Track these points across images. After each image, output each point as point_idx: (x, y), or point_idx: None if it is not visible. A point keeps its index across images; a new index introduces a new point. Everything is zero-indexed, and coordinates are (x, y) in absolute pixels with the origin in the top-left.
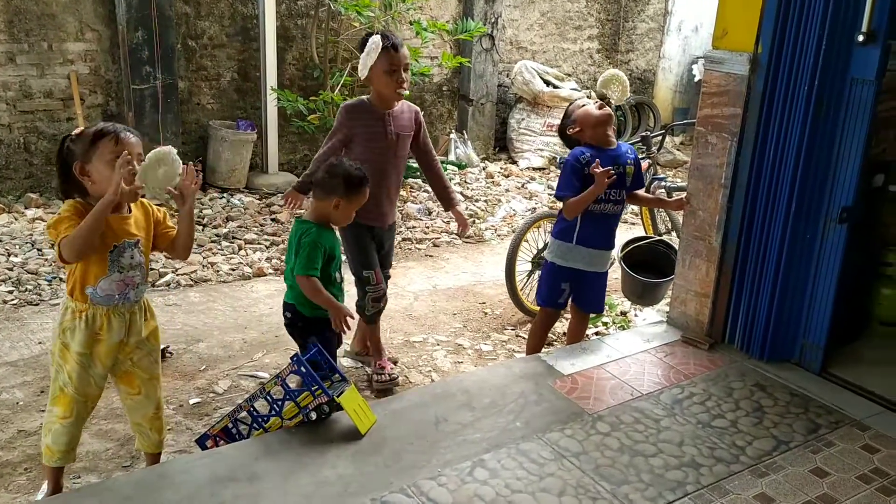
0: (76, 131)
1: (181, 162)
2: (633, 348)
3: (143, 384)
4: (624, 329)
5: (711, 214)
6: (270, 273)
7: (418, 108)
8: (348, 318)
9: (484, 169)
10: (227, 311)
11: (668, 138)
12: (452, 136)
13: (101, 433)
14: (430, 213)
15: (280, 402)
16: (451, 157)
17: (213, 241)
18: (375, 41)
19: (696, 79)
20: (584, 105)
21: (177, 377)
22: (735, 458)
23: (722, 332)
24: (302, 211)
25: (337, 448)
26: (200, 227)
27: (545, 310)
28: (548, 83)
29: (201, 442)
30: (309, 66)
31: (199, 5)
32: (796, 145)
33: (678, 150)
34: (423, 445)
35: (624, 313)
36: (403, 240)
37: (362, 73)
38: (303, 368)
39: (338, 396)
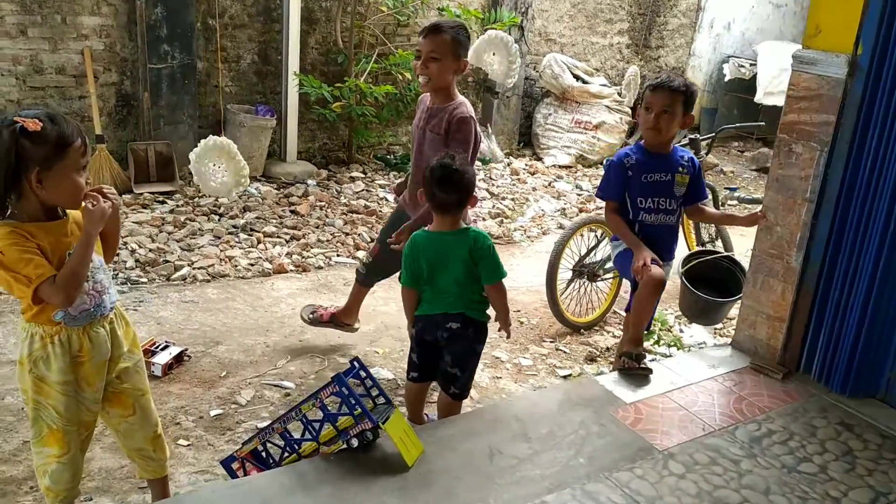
0: (28, 124)
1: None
2: (697, 375)
3: (137, 402)
4: (677, 349)
5: (791, 231)
6: (291, 270)
7: (463, 113)
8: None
9: (508, 165)
10: (248, 311)
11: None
12: None
13: (114, 447)
14: None
15: (317, 425)
16: None
17: (230, 233)
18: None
19: (727, 78)
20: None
21: (196, 384)
22: None
23: (797, 360)
24: None
25: (382, 481)
26: (217, 217)
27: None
28: (577, 78)
29: (227, 464)
30: (332, 51)
31: None
32: None
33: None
34: (476, 481)
35: (668, 328)
36: None
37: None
38: (345, 390)
39: (383, 423)
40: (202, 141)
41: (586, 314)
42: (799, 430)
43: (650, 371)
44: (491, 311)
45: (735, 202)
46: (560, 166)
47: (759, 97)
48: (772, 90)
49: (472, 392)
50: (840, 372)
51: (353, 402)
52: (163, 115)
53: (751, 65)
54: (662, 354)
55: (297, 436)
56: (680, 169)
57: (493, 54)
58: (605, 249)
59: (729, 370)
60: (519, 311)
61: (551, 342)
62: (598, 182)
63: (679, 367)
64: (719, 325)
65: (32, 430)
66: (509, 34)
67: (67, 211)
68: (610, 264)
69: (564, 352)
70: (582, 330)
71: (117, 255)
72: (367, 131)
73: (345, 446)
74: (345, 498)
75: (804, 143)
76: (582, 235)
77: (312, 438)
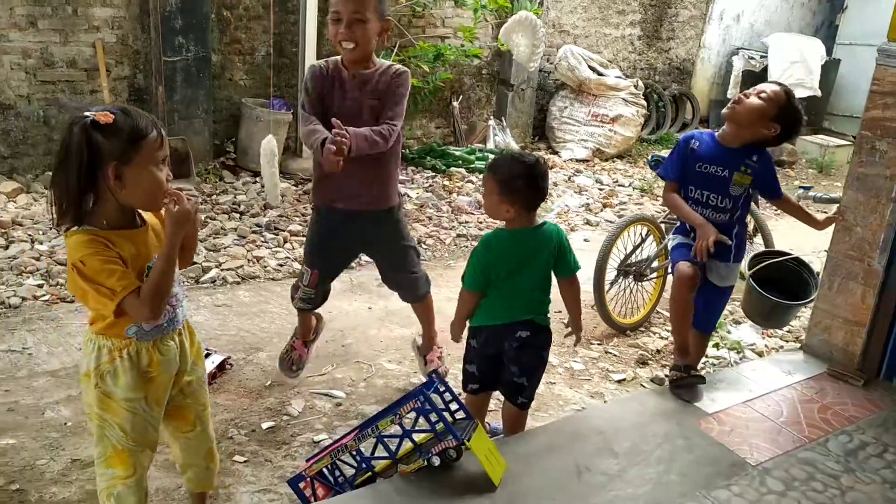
0: (99, 117)
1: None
2: (775, 382)
3: (199, 417)
4: (736, 353)
5: (874, 232)
6: None
7: (398, 67)
8: None
9: None
10: (283, 315)
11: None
12: (491, 122)
13: (169, 465)
14: (479, 206)
15: (393, 441)
16: (490, 145)
17: (254, 232)
18: None
19: (737, 70)
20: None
21: (242, 394)
22: None
23: (877, 366)
24: None
25: (469, 503)
26: (238, 216)
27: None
28: (593, 70)
29: (294, 485)
30: None
31: None
32: None
33: None
34: (568, 501)
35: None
36: (458, 236)
37: None
38: (427, 405)
39: (468, 440)
40: (265, 145)
41: (632, 315)
42: (892, 441)
43: (703, 379)
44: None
45: (810, 201)
46: (577, 160)
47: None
48: (783, 82)
49: (537, 401)
50: None
51: (437, 418)
52: (177, 110)
53: (761, 57)
54: (722, 358)
55: (368, 452)
56: (742, 168)
57: (521, 35)
58: (650, 248)
59: (806, 377)
60: (560, 311)
61: (599, 344)
62: (616, 176)
63: (754, 374)
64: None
65: (96, 450)
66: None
67: (146, 219)
68: (657, 263)
69: (614, 355)
70: (628, 331)
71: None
72: None
73: (425, 465)
74: None
75: (890, 140)
76: (627, 233)
77: (389, 456)
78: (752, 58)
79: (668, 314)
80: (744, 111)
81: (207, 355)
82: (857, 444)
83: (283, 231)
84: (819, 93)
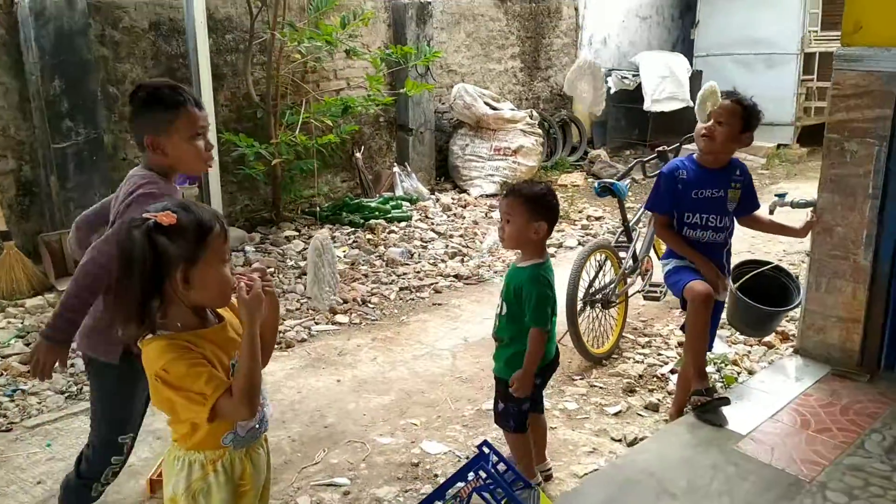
0: (162, 219)
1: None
2: (789, 391)
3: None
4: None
5: (856, 230)
6: (275, 349)
7: None
8: None
9: (437, 201)
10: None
11: (601, 151)
12: (395, 169)
13: None
14: (412, 256)
15: None
16: (399, 192)
17: None
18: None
19: (612, 90)
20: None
21: None
22: None
23: (877, 360)
24: None
25: None
26: None
27: (695, 291)
28: (487, 105)
29: None
30: (245, 107)
31: (117, 46)
32: None
33: (621, 161)
34: None
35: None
36: (401, 289)
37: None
38: (489, 481)
39: None
40: (316, 241)
41: (602, 344)
42: None
43: (728, 400)
44: None
45: (788, 207)
46: (487, 195)
47: (648, 105)
48: (658, 97)
49: (545, 453)
50: None
51: (503, 493)
52: (72, 199)
53: (633, 75)
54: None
55: None
56: (733, 184)
57: (585, 83)
58: (609, 274)
59: (814, 381)
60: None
61: (581, 379)
62: None
63: (764, 386)
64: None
65: None
66: (427, 70)
67: (222, 314)
68: (619, 288)
69: (600, 387)
70: (603, 361)
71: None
72: (295, 186)
73: None
74: None
75: (859, 140)
76: (588, 263)
77: None
78: (625, 77)
79: (633, 338)
80: (720, 139)
81: None
82: (890, 440)
83: None
84: (691, 103)
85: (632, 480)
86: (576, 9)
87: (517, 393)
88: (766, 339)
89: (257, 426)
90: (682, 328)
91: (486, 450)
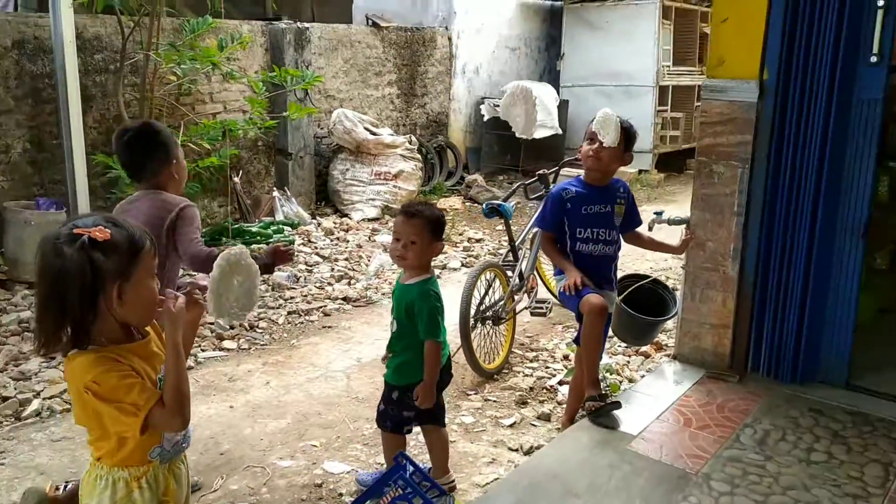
0: (96, 234)
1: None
2: (671, 394)
3: None
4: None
5: (724, 244)
6: None
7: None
8: None
9: (319, 225)
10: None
11: (477, 176)
12: (275, 194)
13: None
14: (297, 280)
15: None
16: (279, 216)
17: None
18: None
19: (485, 118)
20: (591, 138)
21: None
22: (863, 490)
23: (744, 361)
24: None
25: None
26: (32, 334)
27: (591, 304)
28: (367, 130)
29: None
30: (115, 129)
31: None
32: (816, 166)
33: (496, 186)
34: None
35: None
36: (290, 313)
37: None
38: (409, 489)
39: None
40: (224, 255)
41: (493, 360)
42: (784, 424)
43: (619, 404)
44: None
45: (665, 223)
46: (369, 219)
47: (519, 133)
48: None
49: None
50: (787, 365)
51: (420, 502)
52: None
53: None
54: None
55: None
56: (619, 200)
57: (518, 107)
58: (498, 291)
59: (692, 383)
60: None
61: (476, 394)
62: None
63: (649, 389)
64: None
65: None
66: (306, 95)
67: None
68: (508, 305)
69: (493, 401)
70: (495, 376)
71: None
72: None
73: None
74: None
75: (725, 162)
76: (479, 281)
77: None
78: (497, 105)
79: (521, 353)
80: (605, 158)
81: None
82: (761, 433)
83: None
84: (560, 131)
85: (537, 483)
86: (449, 38)
87: (422, 404)
88: (644, 349)
89: (180, 439)
90: (576, 340)
91: (402, 460)
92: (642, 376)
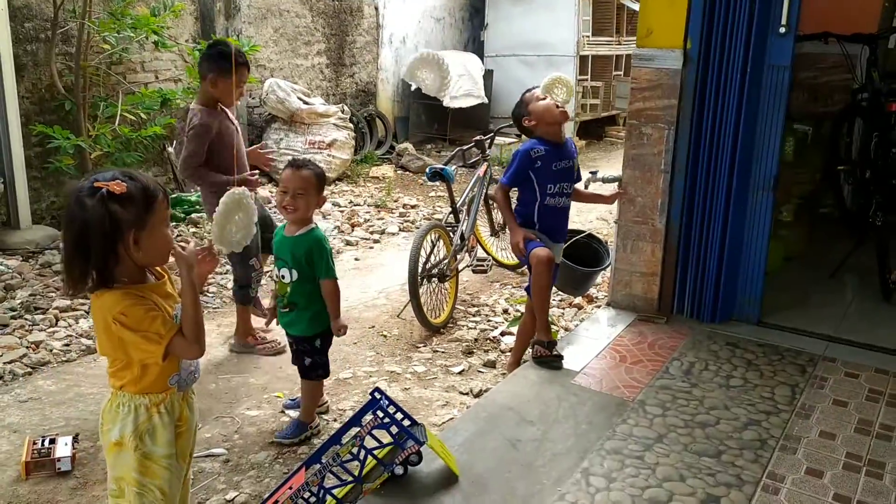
0: (113, 187)
1: (253, 205)
2: (607, 334)
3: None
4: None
5: (652, 199)
6: None
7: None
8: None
9: (256, 193)
10: (105, 393)
11: (407, 145)
12: None
13: None
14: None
15: (353, 465)
16: None
17: (13, 318)
18: None
19: (413, 87)
20: (543, 100)
21: None
22: (775, 407)
23: (670, 305)
24: None
25: (445, 498)
26: None
27: (539, 257)
28: (300, 100)
29: None
30: (48, 99)
31: None
32: (732, 128)
33: (425, 154)
34: (522, 471)
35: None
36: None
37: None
38: (387, 419)
39: (427, 442)
40: (228, 194)
41: (439, 315)
42: (706, 356)
43: (562, 358)
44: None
45: (600, 181)
46: None
47: (447, 102)
48: (455, 94)
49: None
50: (708, 306)
51: (398, 429)
52: None
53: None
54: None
55: (329, 483)
56: (575, 156)
57: (427, 71)
58: (442, 250)
59: (625, 325)
60: (373, 326)
61: (425, 347)
62: (348, 197)
63: (588, 332)
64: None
65: None
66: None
67: (160, 271)
68: (452, 265)
69: (442, 352)
70: (441, 329)
71: None
72: None
73: (388, 476)
74: None
75: (653, 125)
76: (428, 239)
77: (354, 480)
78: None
79: (464, 308)
80: (567, 115)
81: (52, 441)
82: (686, 365)
83: (50, 309)
84: (486, 100)
85: (494, 415)
86: (376, 8)
87: (340, 334)
88: (576, 301)
89: (193, 369)
90: (527, 289)
91: (377, 395)
92: (576, 325)
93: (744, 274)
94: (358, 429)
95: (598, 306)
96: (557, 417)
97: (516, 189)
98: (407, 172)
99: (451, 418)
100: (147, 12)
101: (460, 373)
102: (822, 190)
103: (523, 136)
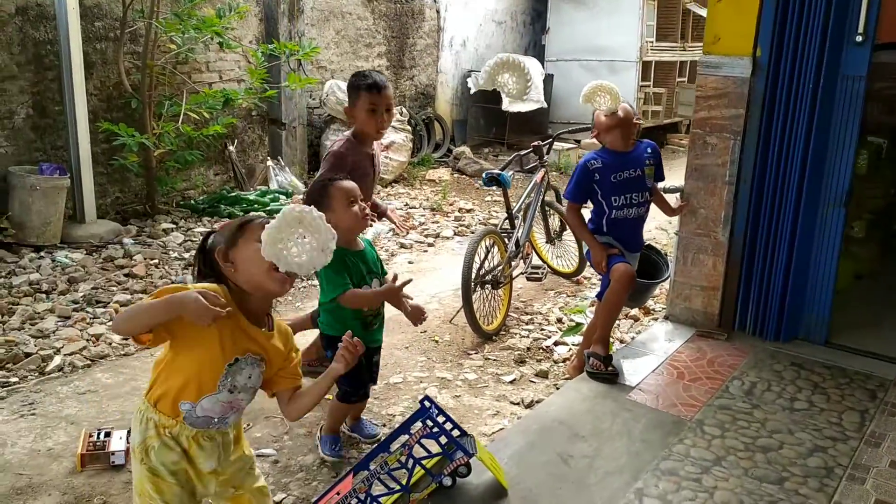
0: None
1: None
2: (665, 349)
3: (254, 498)
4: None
5: (715, 211)
6: None
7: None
8: None
9: None
10: None
11: (464, 148)
12: (269, 163)
13: None
14: None
15: (400, 473)
16: (273, 186)
17: (75, 311)
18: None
19: (472, 91)
20: (600, 109)
21: None
22: (842, 434)
23: (732, 321)
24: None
25: None
26: (44, 295)
27: (621, 272)
28: None
29: None
30: (115, 97)
31: None
32: (803, 139)
33: (482, 158)
34: (572, 488)
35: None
36: None
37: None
38: (436, 429)
39: (476, 454)
40: (290, 206)
41: (492, 321)
42: (769, 376)
43: (617, 375)
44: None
45: (660, 192)
46: None
47: (506, 106)
48: (515, 98)
49: (453, 415)
50: (772, 324)
51: (447, 439)
52: None
53: None
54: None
55: (376, 491)
56: (647, 162)
57: (508, 75)
58: (497, 257)
59: (684, 340)
60: (425, 331)
61: (476, 354)
62: (404, 199)
63: (645, 347)
64: None
65: None
66: (300, 66)
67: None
68: (506, 271)
69: (494, 359)
70: (493, 337)
71: None
72: (171, 178)
73: (436, 486)
74: None
75: (718, 134)
76: (482, 245)
77: (402, 489)
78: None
79: (517, 316)
80: (618, 119)
81: (108, 434)
82: (748, 385)
83: (110, 303)
84: (546, 105)
85: (546, 428)
86: (437, 11)
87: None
88: (633, 312)
89: (216, 419)
90: (598, 296)
91: (427, 404)
92: (632, 338)
93: (811, 291)
94: (406, 437)
95: (655, 319)
96: (611, 434)
97: (589, 202)
98: (463, 176)
99: (502, 429)
100: (213, 13)
101: (512, 382)
102: None
103: (583, 143)
